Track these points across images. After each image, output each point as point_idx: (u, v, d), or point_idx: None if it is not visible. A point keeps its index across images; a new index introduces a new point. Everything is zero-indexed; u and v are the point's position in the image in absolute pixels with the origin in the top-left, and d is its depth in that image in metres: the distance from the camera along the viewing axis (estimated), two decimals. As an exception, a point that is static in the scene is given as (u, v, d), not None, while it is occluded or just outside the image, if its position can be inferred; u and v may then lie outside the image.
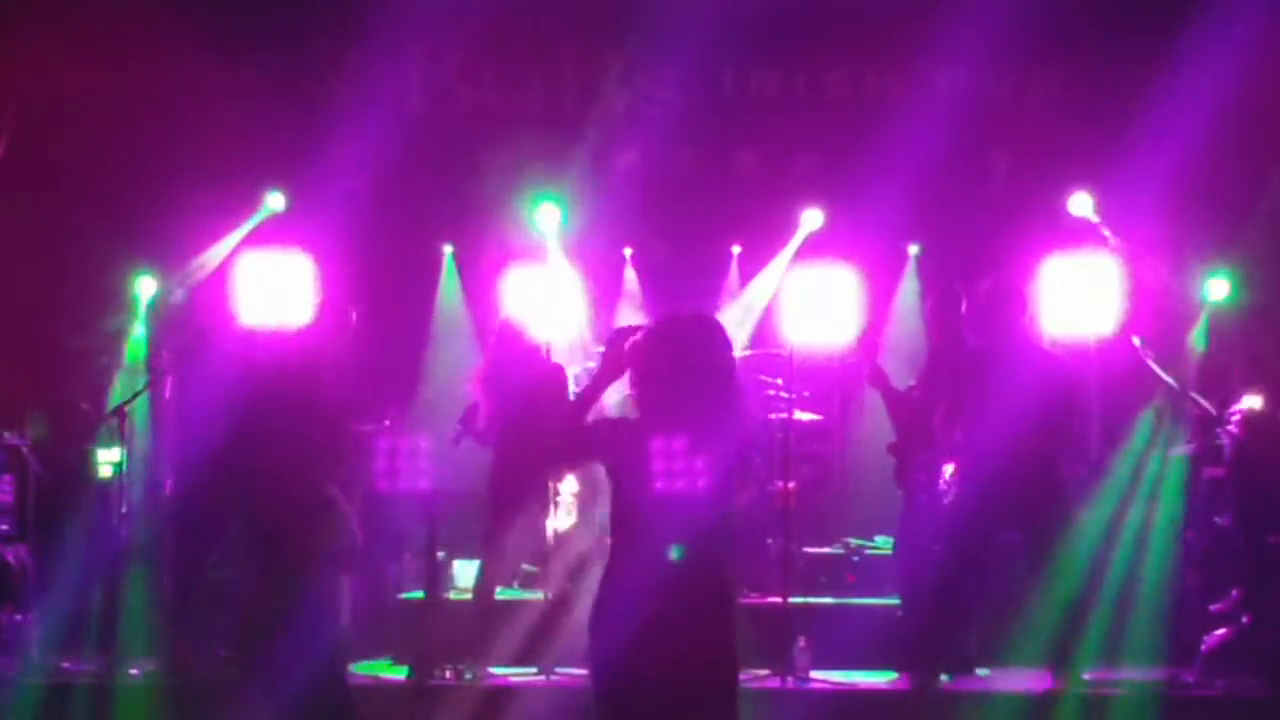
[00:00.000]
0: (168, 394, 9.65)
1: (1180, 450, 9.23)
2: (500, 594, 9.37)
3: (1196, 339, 10.08)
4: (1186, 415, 9.28)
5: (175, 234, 10.75)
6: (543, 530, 9.25)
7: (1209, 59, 10.01)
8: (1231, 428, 8.83)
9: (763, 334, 11.09)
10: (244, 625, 7.38)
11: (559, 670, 8.65)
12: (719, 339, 5.13)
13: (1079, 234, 10.57)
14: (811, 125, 11.40)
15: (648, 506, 4.93)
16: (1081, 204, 10.47)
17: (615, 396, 5.24)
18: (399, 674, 8.83)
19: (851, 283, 10.92)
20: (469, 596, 9.31)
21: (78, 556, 9.14)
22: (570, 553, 9.26)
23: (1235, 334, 10.08)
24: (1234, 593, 8.72)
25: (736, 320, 11.02)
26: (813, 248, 10.93)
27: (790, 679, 8.48)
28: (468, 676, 8.61)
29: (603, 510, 9.03)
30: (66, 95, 10.37)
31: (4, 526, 9.38)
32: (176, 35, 10.26)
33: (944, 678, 8.45)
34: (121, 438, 9.04)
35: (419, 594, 9.47)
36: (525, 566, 9.81)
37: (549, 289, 10.73)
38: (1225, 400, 9.04)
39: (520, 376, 8.92)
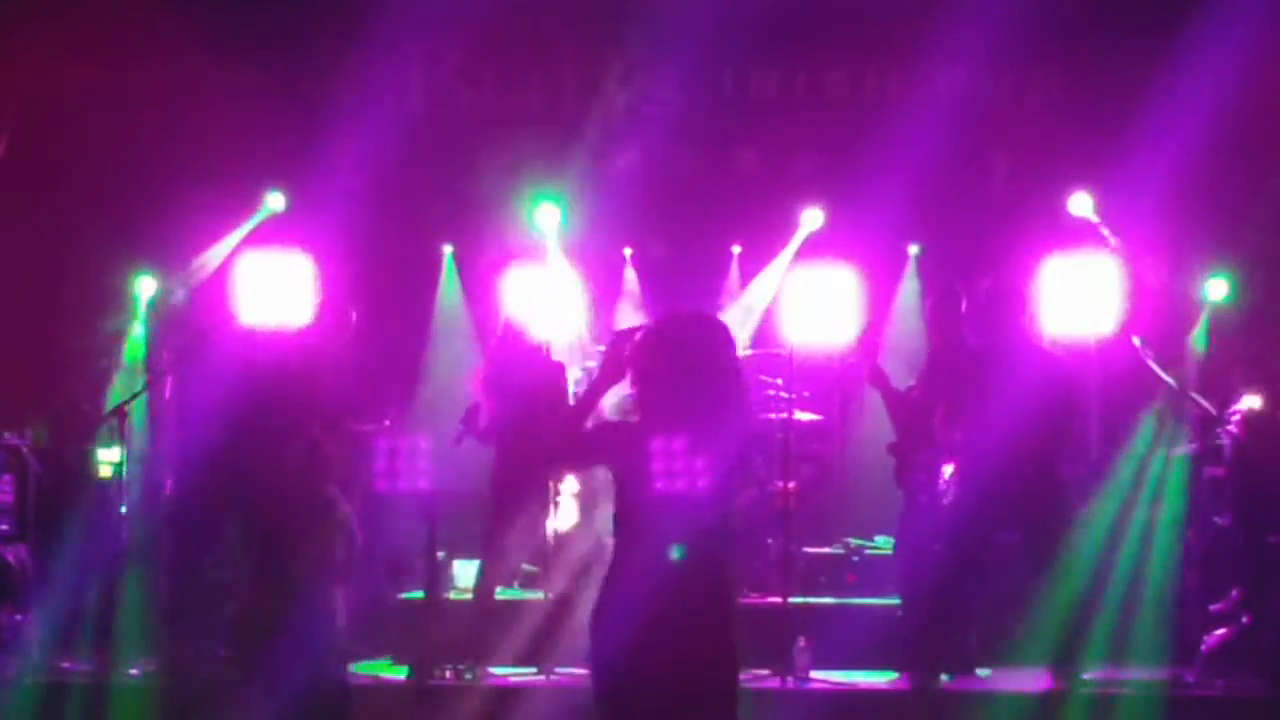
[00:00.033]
0: (168, 394, 9.65)
1: (1182, 450, 9.23)
2: (500, 594, 9.38)
3: (1197, 339, 10.08)
4: (1187, 415, 9.28)
5: (175, 234, 10.75)
6: (543, 530, 9.25)
7: (1209, 59, 10.01)
8: (1231, 428, 8.83)
9: (763, 334, 11.09)
10: (243, 625, 7.39)
11: (559, 670, 8.65)
12: (720, 338, 5.12)
13: (1079, 234, 10.58)
14: (811, 125, 11.40)
15: (648, 507, 4.92)
16: (1081, 204, 10.48)
17: (613, 398, 5.23)
18: (399, 674, 8.82)
19: (851, 283, 10.92)
20: (469, 596, 9.32)
21: (77, 556, 9.13)
22: (571, 553, 9.24)
23: (1235, 334, 10.08)
24: (1234, 593, 8.72)
25: (737, 321, 11.01)
26: (813, 248, 10.93)
27: (790, 679, 8.47)
28: (468, 676, 8.61)
29: (603, 510, 9.03)
30: (66, 95, 10.36)
31: (4, 526, 9.38)
32: (176, 35, 10.26)
33: (944, 678, 8.44)
34: (121, 438, 9.04)
35: (419, 594, 9.47)
36: (525, 566, 9.81)
37: (549, 289, 10.73)
38: (1225, 400, 9.03)
39: (521, 376, 8.93)
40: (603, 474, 5.22)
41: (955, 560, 8.33)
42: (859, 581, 10.07)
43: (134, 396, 9.31)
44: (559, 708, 8.03)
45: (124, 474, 9.14)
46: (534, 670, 8.77)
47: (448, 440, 8.91)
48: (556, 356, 9.74)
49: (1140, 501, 9.11)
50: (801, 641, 8.56)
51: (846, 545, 10.48)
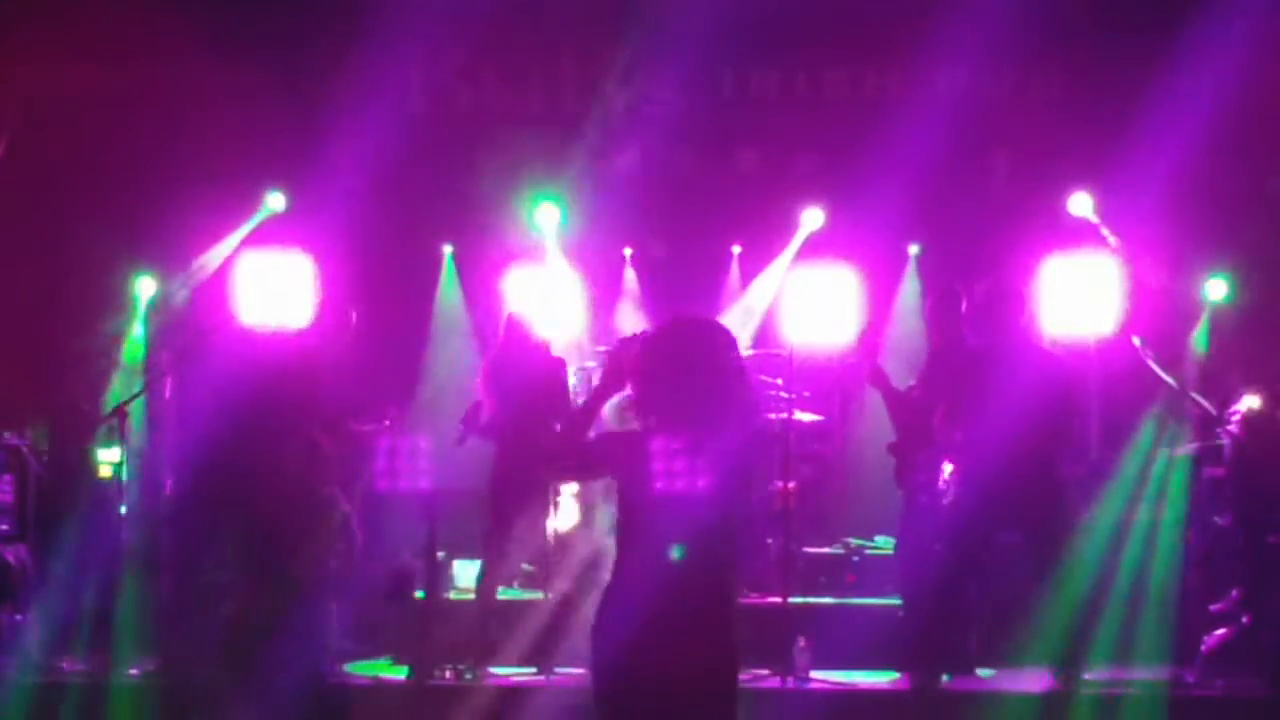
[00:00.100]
0: (168, 394, 9.66)
1: (1185, 449, 9.22)
2: (500, 594, 9.37)
3: (1198, 340, 10.08)
4: (1187, 415, 9.28)
5: (175, 234, 10.75)
6: (543, 530, 9.25)
7: (1209, 59, 10.00)
8: (1231, 428, 8.83)
9: (763, 334, 11.09)
10: (242, 625, 7.38)
11: (559, 670, 8.65)
12: (721, 340, 5.12)
13: (1079, 234, 10.58)
14: (811, 125, 11.40)
15: (648, 507, 4.93)
16: (1081, 204, 10.48)
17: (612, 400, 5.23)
18: (399, 674, 8.83)
19: (851, 283, 10.94)
20: (469, 596, 9.32)
21: (77, 556, 9.13)
22: (571, 553, 9.25)
23: (1235, 334, 10.08)
24: (1234, 593, 8.72)
25: (738, 322, 11.02)
26: (813, 248, 10.94)
27: (790, 679, 8.47)
28: (468, 676, 8.61)
29: (604, 510, 9.04)
30: (66, 95, 10.36)
31: (4, 526, 9.39)
32: (177, 35, 10.25)
33: (944, 678, 8.44)
34: (121, 438, 9.04)
35: (419, 594, 9.47)
36: (525, 566, 9.81)
37: (549, 289, 10.73)
38: (1225, 400, 9.03)
39: (523, 371, 8.93)
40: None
41: (955, 560, 8.33)
42: (859, 581, 10.07)
43: (134, 396, 9.31)
44: (559, 708, 8.02)
45: (124, 474, 9.14)
46: (534, 670, 8.77)
47: (450, 441, 8.91)
48: (557, 354, 9.74)
49: (1143, 502, 9.10)
50: (801, 641, 8.56)
51: (846, 545, 10.48)
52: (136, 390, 9.50)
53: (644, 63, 11.19)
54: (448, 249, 11.84)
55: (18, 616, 9.20)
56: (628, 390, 5.04)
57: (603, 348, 10.57)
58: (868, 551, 10.37)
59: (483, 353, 10.11)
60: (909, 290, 11.59)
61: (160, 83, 10.55)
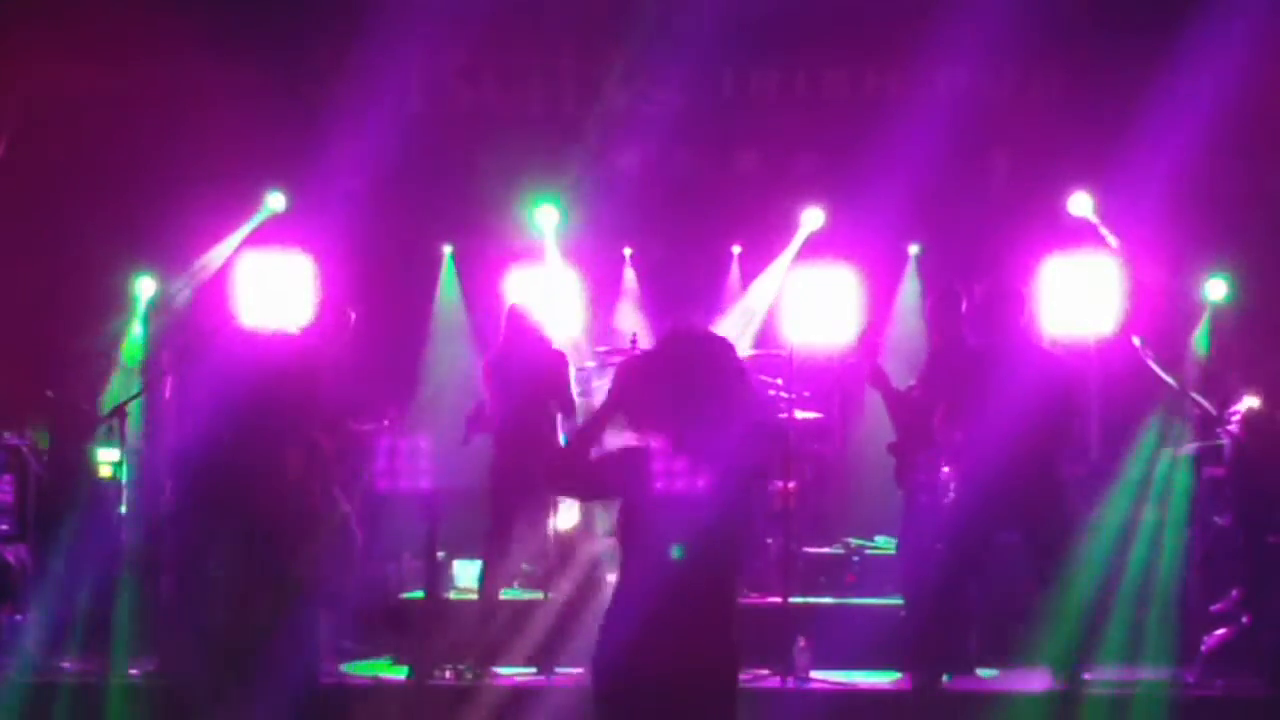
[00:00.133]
0: (168, 394, 9.65)
1: (1188, 449, 9.22)
2: (501, 594, 9.37)
3: (1199, 341, 10.08)
4: (1187, 415, 9.28)
5: (176, 234, 10.75)
6: (544, 529, 9.25)
7: (1209, 59, 10.00)
8: (1231, 428, 8.82)
9: (763, 334, 11.09)
10: (241, 625, 7.39)
11: (559, 670, 8.65)
12: (716, 346, 5.14)
13: (1079, 234, 10.58)
14: (811, 125, 11.40)
15: (649, 507, 4.93)
16: (1081, 204, 10.48)
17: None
18: (399, 674, 8.82)
19: (851, 283, 10.94)
20: (469, 596, 9.31)
21: (77, 556, 9.13)
22: (572, 552, 9.25)
23: (1234, 334, 10.08)
24: (1234, 593, 8.72)
25: (738, 323, 11.03)
26: (813, 248, 10.94)
27: (790, 679, 8.47)
28: (468, 676, 8.61)
29: (604, 511, 9.03)
30: (66, 95, 10.36)
31: (4, 526, 9.39)
32: (177, 35, 10.26)
33: (944, 678, 8.44)
34: (121, 438, 9.04)
35: (419, 594, 9.47)
36: (524, 566, 9.81)
37: (549, 289, 10.73)
38: (1225, 400, 9.03)
39: (525, 364, 8.93)
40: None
41: (955, 560, 8.33)
42: (859, 581, 10.06)
43: (134, 396, 9.31)
44: (559, 708, 8.03)
45: (124, 474, 9.13)
46: (534, 670, 8.77)
47: (451, 440, 8.91)
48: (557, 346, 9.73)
49: (1148, 502, 9.09)
50: (801, 641, 8.55)
51: (846, 545, 10.47)
52: (136, 390, 9.49)
53: (644, 63, 11.19)
54: (448, 249, 11.85)
55: (17, 616, 9.21)
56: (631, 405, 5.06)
57: (603, 348, 10.58)
58: (868, 551, 10.37)
59: (483, 352, 10.11)
60: (909, 290, 11.59)
61: (160, 83, 10.55)
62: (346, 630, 9.16)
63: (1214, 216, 10.59)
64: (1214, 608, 8.75)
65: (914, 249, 11.69)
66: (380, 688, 8.64)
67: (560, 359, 9.20)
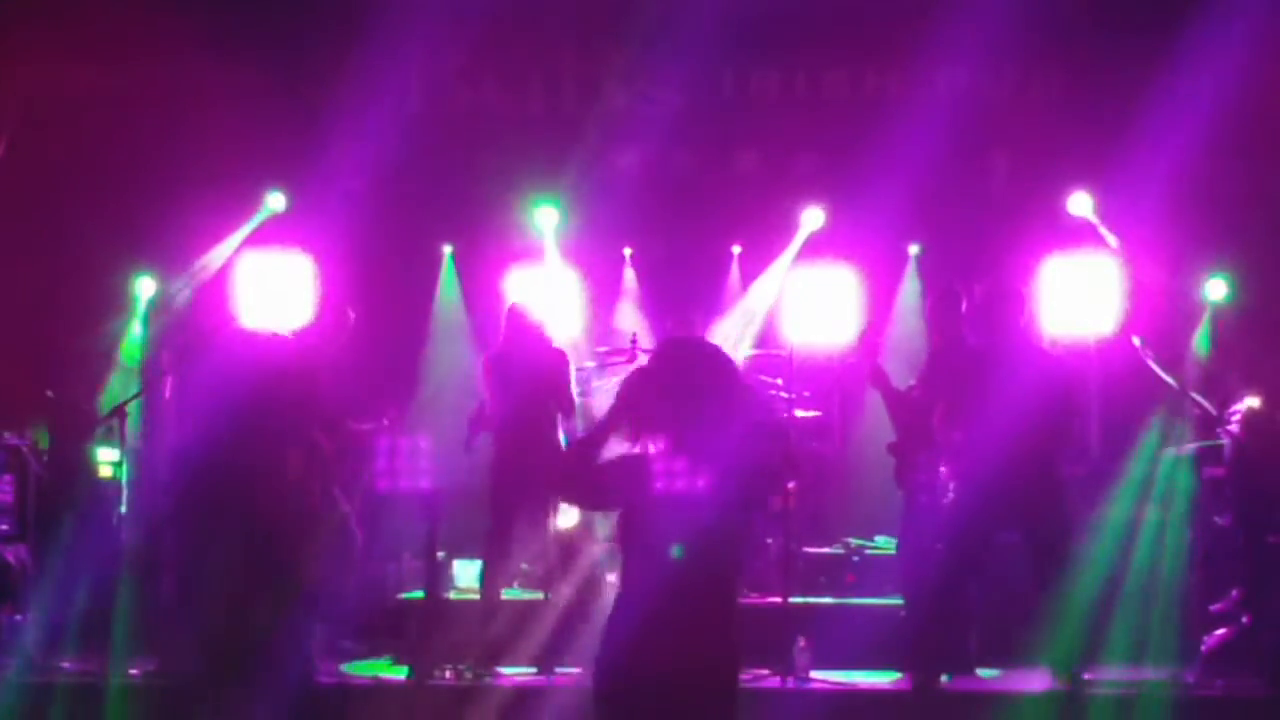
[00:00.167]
0: (168, 394, 9.65)
1: (1185, 449, 9.22)
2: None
3: (1200, 341, 10.07)
4: (1188, 415, 9.28)
5: (176, 235, 10.75)
6: (544, 529, 9.25)
7: (1209, 59, 10.00)
8: (1231, 428, 8.82)
9: (763, 334, 11.09)
10: (240, 625, 7.37)
11: (559, 670, 8.65)
12: (711, 352, 5.17)
13: (1079, 234, 10.58)
14: (811, 125, 11.40)
15: (649, 507, 4.93)
16: (1081, 204, 10.48)
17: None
18: (399, 674, 8.82)
19: (851, 283, 10.94)
20: (469, 596, 9.31)
21: (77, 556, 9.13)
22: (571, 552, 9.25)
23: (1234, 334, 10.07)
24: (1234, 593, 8.72)
25: (739, 324, 11.03)
26: (813, 248, 10.94)
27: (790, 679, 8.47)
28: (468, 676, 8.61)
29: (604, 516, 9.03)
30: (66, 95, 10.37)
31: (4, 526, 9.38)
32: (177, 35, 10.26)
33: (944, 678, 8.44)
34: (121, 438, 9.04)
35: (419, 594, 9.46)
36: (524, 566, 9.81)
37: (549, 289, 10.73)
38: (1225, 400, 9.03)
39: (526, 363, 8.92)
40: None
41: (955, 560, 8.33)
42: (859, 581, 10.07)
43: (134, 396, 9.31)
44: (559, 708, 8.02)
45: (124, 474, 9.13)
46: (534, 670, 8.77)
47: (451, 440, 8.91)
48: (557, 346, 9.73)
49: (1151, 502, 9.09)
50: (801, 641, 8.55)
51: (846, 545, 10.47)
52: (136, 390, 9.49)
53: (644, 63, 11.19)
54: (448, 249, 11.84)
55: (17, 616, 9.20)
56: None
57: (603, 348, 10.58)
58: (868, 551, 10.37)
59: (483, 352, 10.11)
60: (909, 290, 11.58)
61: (160, 83, 10.55)
62: (347, 630, 9.15)
63: (1214, 216, 10.59)
64: (1214, 608, 8.75)
65: (914, 249, 11.69)
66: (380, 688, 8.64)
67: (561, 358, 9.20)
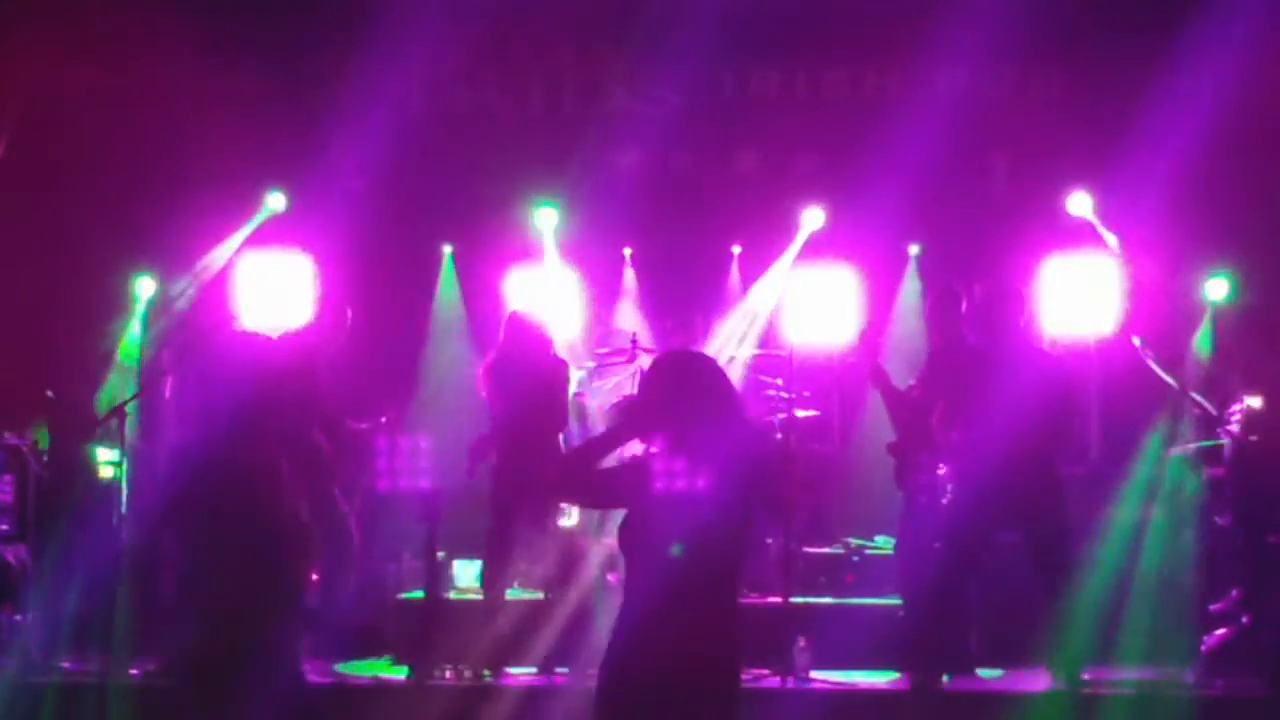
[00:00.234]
0: (168, 394, 9.65)
1: (1188, 449, 9.21)
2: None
3: (1200, 341, 10.07)
4: (1188, 415, 9.27)
5: (176, 235, 10.75)
6: (544, 529, 9.25)
7: (1209, 59, 10.00)
8: (1232, 428, 8.82)
9: (763, 334, 11.08)
10: (238, 625, 7.37)
11: (560, 670, 8.65)
12: (706, 361, 5.23)
13: (1079, 234, 10.58)
14: (811, 125, 11.40)
15: (649, 508, 4.94)
16: (1081, 204, 10.48)
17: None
18: (399, 674, 8.82)
19: (851, 283, 10.93)
20: (469, 596, 9.30)
21: (77, 556, 9.13)
22: (572, 552, 9.25)
23: (1235, 334, 10.07)
24: (1234, 593, 8.71)
25: (739, 324, 11.02)
26: (813, 248, 10.93)
27: (790, 679, 8.47)
28: (468, 676, 8.61)
29: (605, 511, 9.02)
30: (66, 95, 10.37)
31: (4, 526, 9.37)
32: (177, 36, 10.26)
33: (944, 678, 8.44)
34: (121, 438, 9.04)
35: (419, 594, 9.46)
36: (524, 566, 9.80)
37: (548, 289, 10.73)
38: (1225, 400, 9.03)
39: (525, 369, 8.92)
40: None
41: (955, 560, 8.33)
42: (859, 581, 10.06)
43: (134, 396, 9.31)
44: (559, 707, 8.03)
45: (124, 474, 9.13)
46: (535, 670, 8.77)
47: (456, 442, 8.92)
48: (559, 354, 9.73)
49: (1155, 503, 9.08)
50: (801, 641, 8.55)
51: (846, 545, 10.47)
52: (137, 390, 9.49)
53: (644, 63, 11.19)
54: (448, 249, 11.84)
55: (17, 616, 9.20)
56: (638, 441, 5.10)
57: (603, 349, 10.57)
58: (868, 551, 10.36)
59: (482, 352, 10.11)
60: (909, 290, 11.58)
61: (160, 83, 10.55)
62: (347, 630, 9.15)
63: (1214, 216, 10.58)
64: (1214, 608, 8.74)
65: (914, 249, 11.69)
66: (380, 688, 8.64)
67: (561, 367, 9.19)
